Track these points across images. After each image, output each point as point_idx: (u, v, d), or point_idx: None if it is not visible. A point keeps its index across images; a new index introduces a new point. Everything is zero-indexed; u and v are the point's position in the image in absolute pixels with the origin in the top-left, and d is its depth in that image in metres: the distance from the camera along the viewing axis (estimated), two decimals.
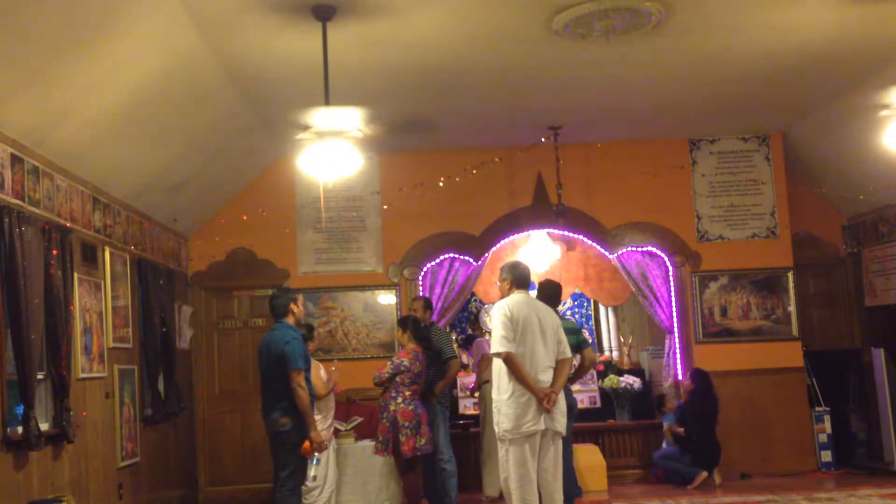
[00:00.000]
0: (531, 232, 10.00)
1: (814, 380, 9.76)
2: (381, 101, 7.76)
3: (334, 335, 9.56)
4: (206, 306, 9.65)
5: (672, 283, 9.85)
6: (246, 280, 9.66)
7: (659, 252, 9.84)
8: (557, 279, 8.16)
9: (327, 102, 5.99)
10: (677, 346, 9.80)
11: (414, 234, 9.67)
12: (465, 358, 10.44)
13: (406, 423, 7.32)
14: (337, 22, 5.89)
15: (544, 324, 5.92)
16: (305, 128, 6.03)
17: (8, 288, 5.20)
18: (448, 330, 9.65)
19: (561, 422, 5.86)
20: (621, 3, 5.86)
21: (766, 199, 9.81)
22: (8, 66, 4.89)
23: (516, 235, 9.98)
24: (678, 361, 9.76)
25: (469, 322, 11.80)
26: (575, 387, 9.18)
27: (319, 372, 7.44)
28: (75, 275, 6.21)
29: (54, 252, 5.75)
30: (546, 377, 5.84)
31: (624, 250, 9.81)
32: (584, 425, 9.42)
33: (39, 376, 5.67)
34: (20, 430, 5.29)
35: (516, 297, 6.01)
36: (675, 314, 9.81)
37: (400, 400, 7.38)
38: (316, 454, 6.29)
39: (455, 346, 9.53)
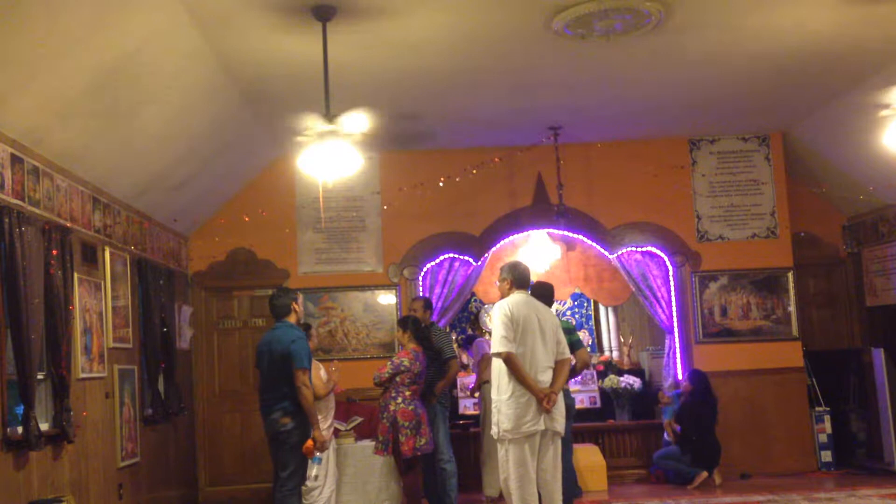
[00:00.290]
0: (531, 232, 9.98)
1: (814, 380, 9.76)
2: (381, 101, 7.76)
3: (334, 335, 9.56)
4: (206, 306, 9.66)
5: (672, 283, 9.85)
6: (246, 280, 9.67)
7: (659, 252, 9.84)
8: (557, 279, 8.17)
9: (327, 102, 5.99)
10: (677, 346, 9.79)
11: (414, 234, 9.67)
12: (465, 358, 10.43)
13: (406, 423, 7.31)
14: (337, 22, 5.89)
15: (544, 324, 5.94)
16: (305, 128, 6.03)
17: (8, 288, 5.20)
18: (448, 330, 9.65)
19: (560, 422, 5.88)
20: (621, 3, 5.87)
21: (766, 199, 9.81)
22: (8, 66, 4.89)
23: (516, 235, 9.96)
24: (678, 361, 9.76)
25: (469, 322, 11.78)
26: (575, 387, 9.21)
27: (320, 372, 7.43)
28: (75, 275, 6.21)
29: (54, 252, 5.74)
30: (546, 377, 5.85)
31: (624, 250, 9.81)
32: (584, 425, 9.43)
33: (39, 376, 5.67)
34: (20, 430, 5.29)
35: (516, 297, 6.02)
36: (675, 314, 9.81)
37: (400, 400, 7.38)
38: (317, 454, 6.29)
39: (455, 346, 9.52)
